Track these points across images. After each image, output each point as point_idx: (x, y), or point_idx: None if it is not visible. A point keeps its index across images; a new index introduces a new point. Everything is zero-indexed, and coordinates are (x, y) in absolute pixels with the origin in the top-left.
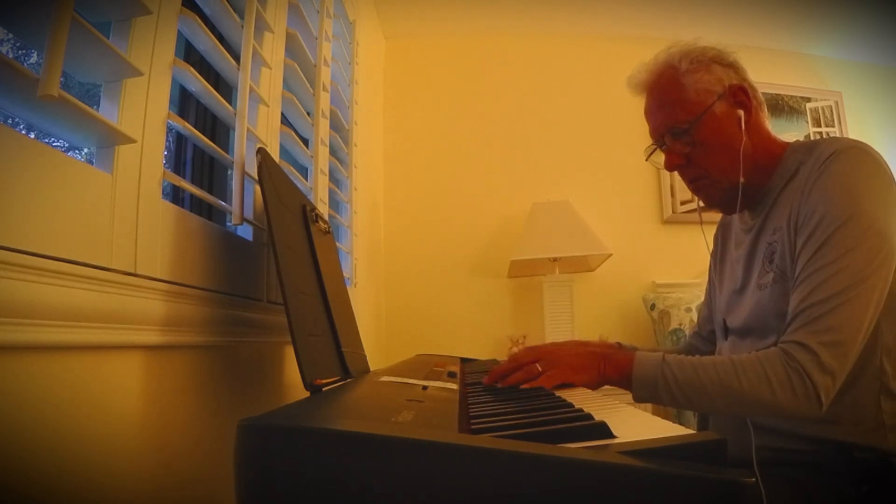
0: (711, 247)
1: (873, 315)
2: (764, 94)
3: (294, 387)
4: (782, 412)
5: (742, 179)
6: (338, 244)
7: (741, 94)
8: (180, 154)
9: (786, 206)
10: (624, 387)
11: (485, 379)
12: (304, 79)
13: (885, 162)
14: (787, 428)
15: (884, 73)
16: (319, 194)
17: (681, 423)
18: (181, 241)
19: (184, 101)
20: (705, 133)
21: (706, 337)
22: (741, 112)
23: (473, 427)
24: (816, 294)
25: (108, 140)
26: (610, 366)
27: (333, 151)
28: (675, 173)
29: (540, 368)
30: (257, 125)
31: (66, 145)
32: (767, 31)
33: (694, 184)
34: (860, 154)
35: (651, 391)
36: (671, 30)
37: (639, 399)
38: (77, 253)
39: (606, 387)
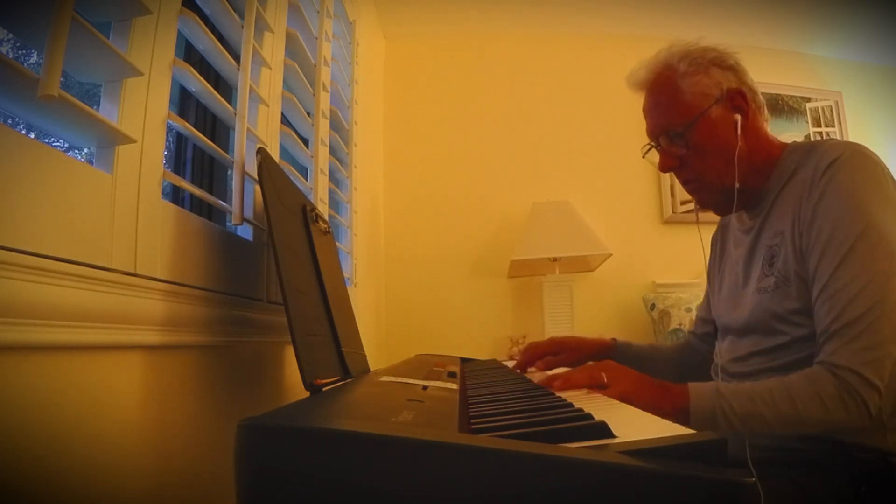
0: (709, 251)
1: None
2: (764, 94)
3: (294, 387)
4: (835, 427)
5: (738, 184)
6: (338, 244)
7: (739, 99)
8: (180, 154)
9: (786, 210)
10: (680, 420)
11: (555, 385)
12: (304, 79)
13: (884, 164)
14: None
15: (884, 73)
16: (319, 194)
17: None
18: (181, 241)
19: (184, 101)
20: (699, 137)
21: (700, 337)
22: (738, 116)
23: (473, 427)
24: (848, 312)
25: (108, 140)
26: (666, 399)
27: (333, 151)
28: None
29: (605, 379)
30: (257, 125)
31: (66, 145)
32: (767, 31)
33: (687, 185)
34: (863, 160)
35: (710, 423)
36: (671, 29)
37: (697, 429)
38: (77, 253)
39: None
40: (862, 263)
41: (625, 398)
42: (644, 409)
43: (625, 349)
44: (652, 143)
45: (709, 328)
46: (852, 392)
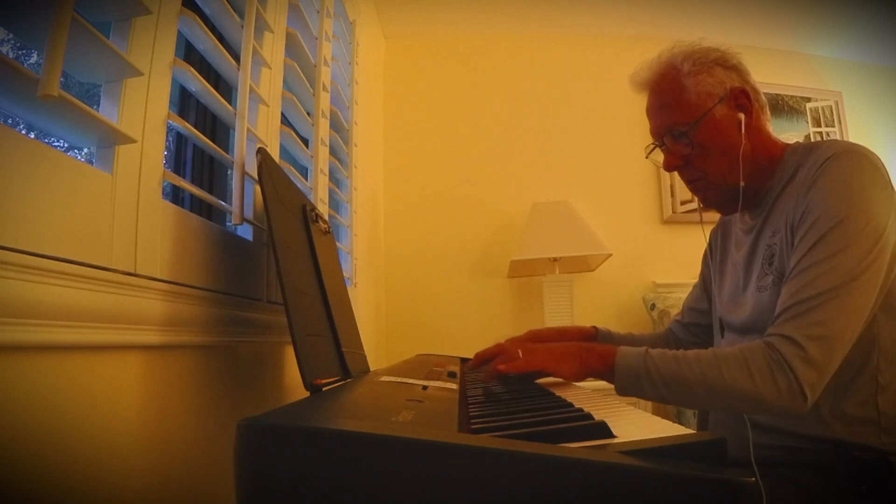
0: (708, 244)
1: (863, 313)
2: (764, 94)
3: (294, 387)
4: (765, 406)
5: (742, 183)
6: (338, 244)
7: (742, 98)
8: (180, 154)
9: (784, 208)
10: (607, 379)
11: (469, 363)
12: (304, 79)
13: (882, 164)
14: (786, 427)
15: (884, 73)
16: (319, 194)
17: (681, 423)
18: (181, 241)
19: (184, 101)
20: (704, 136)
21: (685, 325)
22: (742, 115)
23: (473, 427)
24: (806, 290)
25: (108, 140)
26: (593, 357)
27: (333, 151)
28: (676, 173)
29: (521, 354)
30: (257, 125)
31: (66, 145)
32: (767, 31)
33: (692, 184)
34: (857, 157)
35: (634, 383)
36: (671, 29)
37: (621, 391)
38: (77, 253)
39: (608, 387)
40: (833, 248)
41: (545, 365)
42: (573, 375)
43: (606, 338)
44: (656, 143)
45: (697, 318)
46: (784, 367)
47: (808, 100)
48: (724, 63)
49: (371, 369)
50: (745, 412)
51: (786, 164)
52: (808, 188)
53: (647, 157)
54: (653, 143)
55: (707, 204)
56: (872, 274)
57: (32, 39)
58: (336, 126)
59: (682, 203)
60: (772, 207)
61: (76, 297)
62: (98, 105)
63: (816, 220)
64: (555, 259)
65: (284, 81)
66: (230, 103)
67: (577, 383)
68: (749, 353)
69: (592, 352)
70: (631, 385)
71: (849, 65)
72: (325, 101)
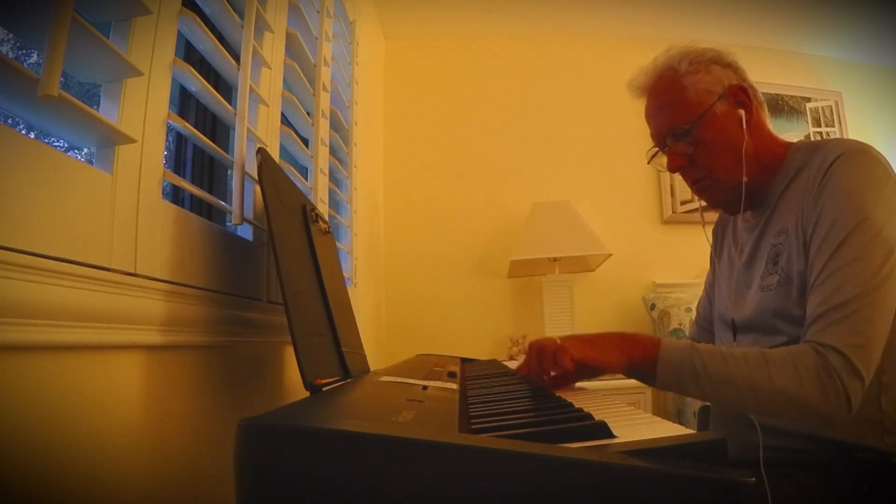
0: (711, 242)
1: (890, 315)
2: (764, 94)
3: (294, 387)
4: (810, 411)
5: (745, 178)
6: (338, 244)
7: (741, 94)
8: (180, 154)
9: (790, 208)
10: (648, 371)
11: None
12: (304, 79)
13: (888, 163)
14: (787, 427)
15: (884, 73)
16: (319, 194)
17: (681, 424)
18: (181, 241)
19: (184, 101)
20: (706, 133)
21: (708, 329)
22: (742, 112)
23: (473, 427)
24: (838, 296)
25: (108, 140)
26: (637, 348)
27: (333, 151)
28: (676, 173)
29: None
30: (257, 125)
31: (66, 145)
32: (767, 31)
33: (697, 184)
34: (867, 158)
35: (676, 379)
36: (671, 30)
37: (661, 386)
38: (77, 253)
39: (608, 387)
40: (855, 254)
41: (587, 354)
42: (615, 365)
43: None
44: (657, 146)
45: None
46: (833, 375)
47: (808, 100)
48: (720, 61)
49: (371, 369)
50: (786, 417)
51: (790, 162)
52: (820, 190)
53: (648, 163)
54: (654, 148)
55: (713, 204)
56: (892, 279)
57: (32, 39)
58: (336, 126)
59: (682, 203)
60: (776, 206)
61: (76, 297)
62: (98, 105)
63: (834, 223)
64: (555, 259)
65: (284, 81)
66: (230, 103)
67: (585, 383)
68: (798, 358)
69: (635, 343)
70: (674, 381)
71: (849, 65)
72: (325, 101)
